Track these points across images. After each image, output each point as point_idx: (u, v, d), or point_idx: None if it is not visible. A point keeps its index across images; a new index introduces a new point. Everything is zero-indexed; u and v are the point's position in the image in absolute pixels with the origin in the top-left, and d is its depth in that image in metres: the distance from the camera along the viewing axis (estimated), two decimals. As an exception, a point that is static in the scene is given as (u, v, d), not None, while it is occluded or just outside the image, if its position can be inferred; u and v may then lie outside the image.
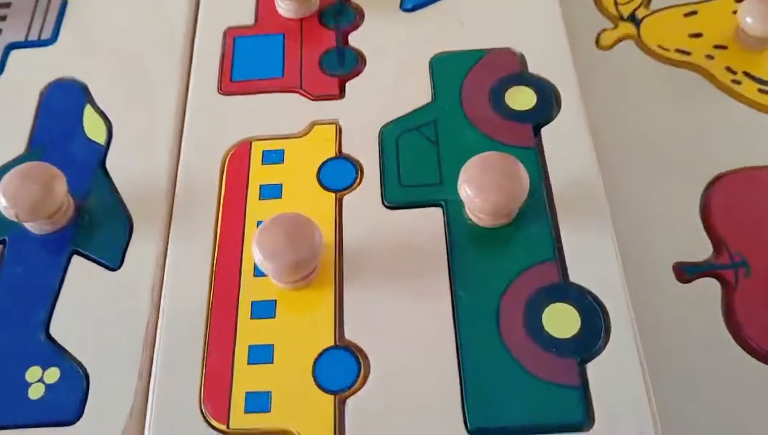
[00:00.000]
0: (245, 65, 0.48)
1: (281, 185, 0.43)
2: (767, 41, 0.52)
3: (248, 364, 0.38)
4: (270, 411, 0.36)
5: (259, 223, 0.40)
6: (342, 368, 0.37)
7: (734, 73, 0.51)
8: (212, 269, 0.40)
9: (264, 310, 0.39)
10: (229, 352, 0.38)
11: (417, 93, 0.46)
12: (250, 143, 0.45)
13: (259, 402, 0.37)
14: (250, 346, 0.38)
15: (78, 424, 0.37)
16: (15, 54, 0.51)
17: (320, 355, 0.38)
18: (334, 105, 0.46)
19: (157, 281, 0.41)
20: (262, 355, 0.38)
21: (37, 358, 0.38)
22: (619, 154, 0.48)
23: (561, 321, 0.38)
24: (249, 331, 0.38)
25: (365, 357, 0.38)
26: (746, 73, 0.51)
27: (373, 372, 0.37)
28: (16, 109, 0.48)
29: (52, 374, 0.38)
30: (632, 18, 0.55)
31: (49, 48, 0.51)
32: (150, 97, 0.48)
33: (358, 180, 0.43)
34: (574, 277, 0.39)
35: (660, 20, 0.55)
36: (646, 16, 0.55)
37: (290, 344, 0.38)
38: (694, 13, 0.54)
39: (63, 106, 0.47)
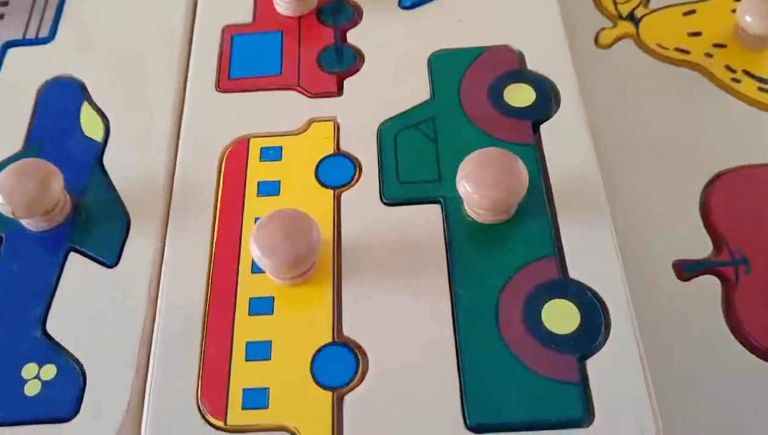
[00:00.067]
0: (243, 63, 0.48)
1: (279, 182, 0.43)
2: (766, 39, 0.52)
3: (246, 360, 0.37)
4: (268, 407, 0.36)
5: (257, 219, 0.40)
6: (340, 365, 0.37)
7: (734, 71, 0.51)
8: (210, 266, 0.40)
9: (262, 306, 0.39)
10: (226, 349, 0.38)
11: (415, 90, 0.46)
12: (248, 140, 0.45)
13: (256, 398, 0.36)
14: (247, 343, 0.38)
15: (74, 420, 0.36)
16: (12, 52, 0.50)
17: (318, 351, 0.37)
18: (332, 102, 0.46)
19: (154, 278, 0.40)
20: (259, 351, 0.38)
21: (33, 354, 0.38)
22: (618, 152, 0.47)
23: (560, 317, 0.38)
24: (247, 328, 0.38)
25: (363, 353, 0.37)
26: (746, 72, 0.51)
27: (371, 368, 0.37)
28: (14, 107, 0.47)
29: (49, 371, 0.38)
30: (631, 17, 0.55)
31: (46, 46, 0.51)
32: (148, 94, 0.47)
33: (356, 177, 0.43)
34: (574, 273, 0.39)
35: (659, 19, 0.55)
36: (645, 15, 0.55)
37: (288, 341, 0.38)
38: (692, 12, 0.54)
39: (60, 103, 0.47)
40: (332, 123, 0.45)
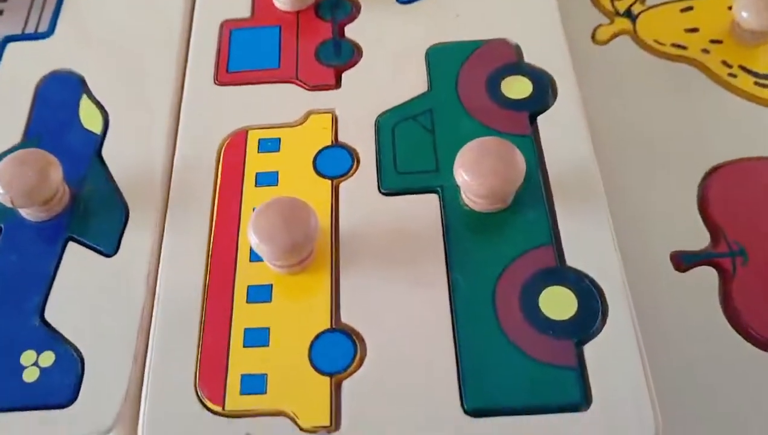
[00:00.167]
0: (241, 56, 0.48)
1: (277, 173, 0.43)
2: (763, 35, 0.52)
3: (244, 347, 0.37)
4: (266, 393, 0.36)
5: (255, 209, 0.40)
6: (338, 351, 0.37)
7: (730, 66, 0.52)
8: (208, 254, 0.40)
9: (260, 294, 0.39)
10: (224, 336, 0.38)
11: (413, 83, 0.46)
12: (246, 132, 0.45)
13: (255, 384, 0.36)
14: (245, 330, 0.38)
15: (72, 406, 0.37)
16: (11, 47, 0.51)
17: (316, 337, 0.37)
18: (330, 95, 0.46)
19: (153, 267, 0.40)
20: (258, 338, 0.38)
21: (32, 342, 0.38)
22: (616, 147, 0.48)
23: (558, 304, 0.38)
24: (245, 315, 0.38)
25: (361, 340, 0.37)
26: (742, 67, 0.52)
27: (369, 354, 0.37)
28: (12, 101, 0.48)
29: (47, 358, 0.38)
30: (628, 13, 0.55)
31: (45, 41, 0.51)
32: (146, 88, 0.48)
33: (354, 167, 0.43)
34: (571, 260, 0.39)
35: (656, 16, 0.55)
36: (642, 11, 0.55)
37: (286, 327, 0.38)
38: (689, 8, 0.55)
39: (59, 97, 0.47)
40: (330, 115, 0.45)
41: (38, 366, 0.38)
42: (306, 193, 0.40)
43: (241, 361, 0.37)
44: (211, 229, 0.41)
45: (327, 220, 0.41)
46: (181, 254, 0.41)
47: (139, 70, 0.49)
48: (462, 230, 0.40)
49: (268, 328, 0.38)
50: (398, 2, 0.50)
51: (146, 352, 0.38)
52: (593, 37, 0.54)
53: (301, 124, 0.45)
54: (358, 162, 0.43)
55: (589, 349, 0.37)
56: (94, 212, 0.42)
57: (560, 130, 0.43)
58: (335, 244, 0.40)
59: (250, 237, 0.38)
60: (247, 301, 0.39)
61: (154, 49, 0.49)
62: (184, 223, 0.42)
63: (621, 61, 0.53)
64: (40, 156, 0.41)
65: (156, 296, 0.39)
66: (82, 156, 0.45)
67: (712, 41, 0.53)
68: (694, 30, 0.54)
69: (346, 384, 0.36)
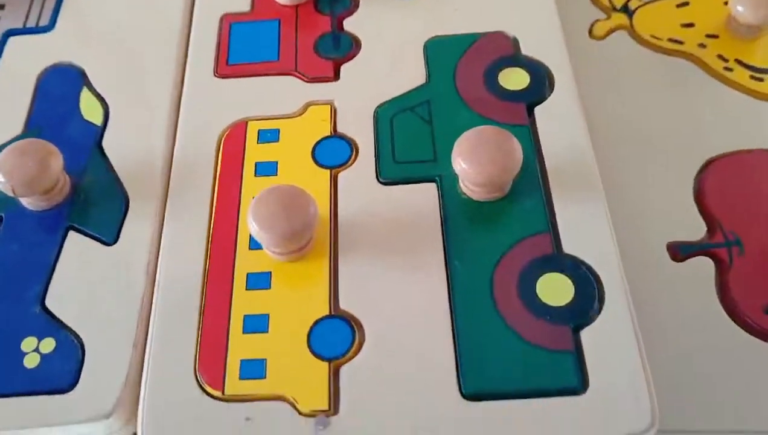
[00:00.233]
0: (241, 49, 0.49)
1: (276, 163, 0.43)
2: (758, 29, 0.52)
3: (243, 333, 0.38)
4: (265, 378, 0.36)
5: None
6: (337, 336, 0.37)
7: (726, 60, 0.52)
8: (208, 242, 0.41)
9: (259, 281, 0.39)
10: (224, 322, 0.38)
11: (411, 75, 0.47)
12: (246, 123, 0.45)
13: (254, 369, 0.37)
14: (245, 316, 0.38)
15: (73, 392, 0.37)
16: (13, 40, 0.51)
17: (315, 324, 0.38)
18: (329, 87, 0.47)
19: (153, 255, 0.41)
20: (257, 324, 0.38)
21: (32, 329, 0.39)
22: (613, 140, 0.48)
23: (555, 290, 0.38)
24: (244, 302, 0.39)
25: (360, 326, 0.38)
26: (738, 61, 0.52)
27: (368, 340, 0.37)
28: (14, 93, 0.48)
29: (48, 344, 0.38)
30: (625, 9, 0.56)
31: (47, 35, 0.51)
32: (147, 80, 0.48)
33: (353, 157, 0.43)
34: (568, 248, 0.39)
35: (652, 11, 0.55)
36: (638, 7, 0.56)
37: (285, 314, 0.38)
38: (685, 3, 0.55)
39: (60, 89, 0.48)
40: (329, 106, 0.46)
41: (39, 352, 0.38)
42: (305, 182, 0.41)
43: (241, 346, 0.37)
44: (210, 218, 0.42)
45: (326, 209, 0.41)
46: (181, 242, 0.41)
47: (139, 63, 0.49)
48: (460, 218, 0.41)
49: (268, 315, 0.38)
50: (397, -4, 0.51)
51: (146, 338, 0.38)
52: (590, 32, 0.55)
53: (300, 115, 0.46)
54: (357, 152, 0.44)
55: (586, 335, 0.37)
56: (94, 202, 0.43)
57: (557, 121, 0.44)
58: (334, 233, 0.41)
59: (250, 224, 0.38)
60: (246, 289, 0.39)
61: (154, 43, 0.50)
62: (184, 211, 0.42)
63: (618, 55, 0.53)
64: (41, 146, 0.41)
65: (156, 284, 0.40)
66: (82, 147, 0.45)
67: (708, 36, 0.53)
68: (690, 25, 0.54)
69: (344, 369, 0.37)
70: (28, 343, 0.38)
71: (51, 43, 0.51)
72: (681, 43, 0.53)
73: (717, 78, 0.51)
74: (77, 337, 0.38)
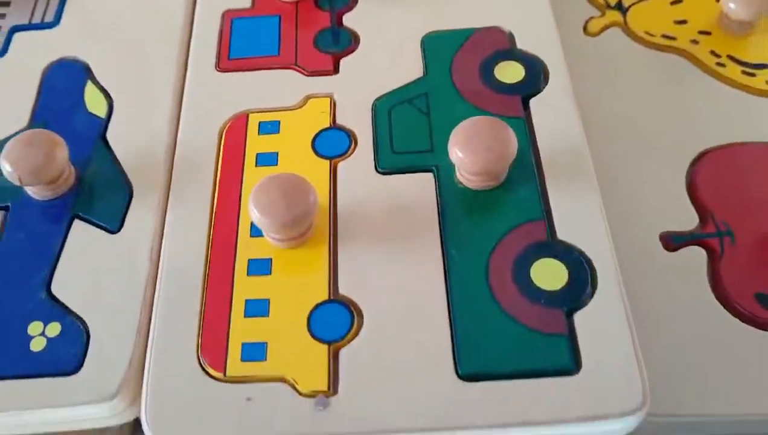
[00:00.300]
0: (242, 44, 0.50)
1: (277, 153, 0.44)
2: (750, 25, 0.53)
3: (245, 317, 0.39)
4: (266, 360, 0.37)
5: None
6: (336, 320, 0.38)
7: (718, 56, 0.53)
8: (210, 230, 0.42)
9: (260, 267, 0.40)
10: (226, 306, 0.39)
11: (409, 69, 0.48)
12: (247, 115, 0.46)
13: (255, 351, 0.37)
14: (246, 301, 0.39)
15: (78, 374, 0.38)
16: (18, 36, 0.52)
17: (315, 308, 0.39)
18: (329, 80, 0.48)
19: (156, 243, 0.42)
20: (258, 308, 0.39)
21: (38, 313, 0.39)
22: (608, 134, 0.49)
23: (549, 275, 0.39)
24: (245, 287, 0.39)
25: (359, 310, 0.38)
26: (730, 57, 0.53)
27: (366, 324, 0.38)
28: (19, 87, 0.49)
29: (54, 328, 0.39)
30: (619, 6, 0.56)
31: (52, 30, 0.52)
32: (150, 75, 0.49)
33: (352, 148, 0.44)
34: (562, 234, 0.40)
35: (646, 8, 0.56)
36: (632, 4, 0.56)
37: (286, 299, 0.39)
38: (679, 1, 0.56)
39: (65, 83, 0.49)
40: (329, 99, 0.47)
41: (45, 336, 0.39)
42: (305, 172, 0.41)
43: (242, 330, 0.38)
44: (212, 207, 0.42)
45: (325, 198, 0.42)
46: (183, 230, 0.42)
47: (142, 58, 0.50)
48: (456, 207, 0.42)
49: (268, 299, 0.39)
50: (395, -8, 0.52)
51: (149, 322, 0.39)
52: (585, 29, 0.56)
53: (300, 107, 0.46)
54: (356, 143, 0.44)
55: (579, 318, 0.38)
56: (98, 191, 0.44)
57: (552, 112, 0.45)
58: (333, 221, 0.42)
59: (251, 211, 0.39)
60: (247, 274, 0.40)
61: (157, 38, 0.51)
62: (186, 200, 0.43)
63: (612, 52, 0.54)
64: (47, 136, 0.42)
65: (159, 270, 0.41)
66: (87, 138, 0.46)
67: (701, 32, 0.54)
68: (683, 22, 0.55)
69: (343, 352, 0.37)
70: (35, 328, 0.39)
71: (56, 38, 0.52)
72: (674, 39, 0.54)
73: (709, 73, 0.52)
74: (82, 321, 0.39)
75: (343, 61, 0.49)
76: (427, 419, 0.35)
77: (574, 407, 0.35)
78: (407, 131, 0.45)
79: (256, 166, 0.44)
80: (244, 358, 0.37)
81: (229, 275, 0.40)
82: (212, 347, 0.38)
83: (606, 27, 0.55)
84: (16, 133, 0.45)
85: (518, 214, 0.41)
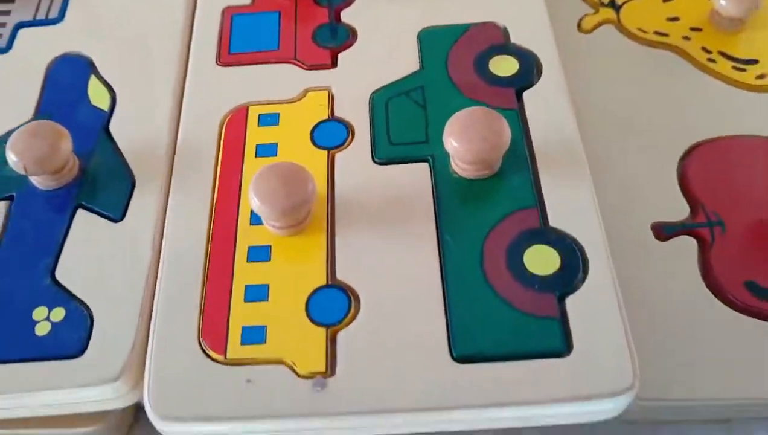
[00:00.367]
0: (242, 40, 0.51)
1: (276, 144, 0.45)
2: (740, 22, 0.54)
3: (245, 301, 0.39)
4: (265, 343, 0.38)
5: (256, 175, 0.42)
6: (334, 305, 0.39)
7: (709, 52, 0.54)
8: (210, 219, 0.42)
9: (260, 254, 0.41)
10: (226, 291, 0.40)
11: (406, 63, 0.49)
12: (247, 108, 0.47)
13: (255, 335, 0.38)
14: (246, 286, 0.40)
15: (82, 357, 0.38)
16: (23, 32, 0.53)
17: (313, 293, 0.40)
18: (327, 74, 0.49)
19: (158, 230, 0.43)
20: (258, 293, 0.40)
21: (43, 299, 0.40)
22: (601, 127, 0.50)
23: (541, 260, 0.40)
24: (245, 273, 0.40)
25: (356, 295, 0.39)
26: (721, 53, 0.54)
27: (363, 308, 0.39)
28: (24, 81, 0.50)
29: (58, 313, 0.40)
30: (612, 4, 0.58)
31: (56, 26, 0.53)
32: (152, 69, 0.50)
33: (349, 139, 0.45)
34: (554, 221, 0.41)
35: (639, 6, 0.57)
36: (625, 2, 0.58)
37: (285, 284, 0.40)
38: (671, -2, 0.57)
39: (69, 77, 0.50)
40: (327, 92, 0.48)
41: (50, 321, 0.40)
42: (304, 162, 0.42)
43: (242, 314, 0.39)
44: (213, 196, 0.43)
45: (323, 187, 0.43)
46: (185, 218, 0.43)
47: (145, 53, 0.51)
48: (451, 195, 0.43)
49: (268, 285, 0.40)
50: (392, -11, 0.53)
51: (152, 308, 0.40)
52: (579, 26, 0.57)
53: (299, 100, 0.47)
54: (353, 134, 0.45)
55: (571, 302, 0.39)
56: (102, 182, 0.45)
57: (545, 104, 0.46)
58: (331, 209, 0.42)
59: (251, 199, 0.40)
60: (247, 261, 0.41)
61: (159, 34, 0.52)
62: (187, 190, 0.44)
63: (606, 48, 0.56)
64: (51, 127, 0.43)
65: (161, 257, 0.41)
66: (90, 130, 0.47)
67: (693, 29, 0.56)
68: (675, 19, 0.56)
69: (341, 335, 0.38)
70: (39, 313, 0.40)
71: (60, 34, 0.53)
72: (666, 35, 0.55)
73: (701, 69, 0.53)
74: (86, 306, 0.40)
75: (341, 56, 0.50)
76: (423, 399, 0.36)
77: (566, 387, 0.36)
78: (404, 123, 0.46)
79: (255, 156, 0.45)
80: (244, 342, 0.38)
81: (229, 262, 0.41)
82: (213, 331, 0.39)
83: (599, 24, 0.57)
84: (22, 126, 0.46)
85: (511, 202, 0.42)
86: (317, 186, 0.41)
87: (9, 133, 0.44)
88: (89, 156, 0.46)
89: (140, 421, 0.44)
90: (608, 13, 0.57)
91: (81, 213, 0.43)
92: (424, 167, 0.44)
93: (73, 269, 0.42)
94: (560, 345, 0.37)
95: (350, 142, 0.45)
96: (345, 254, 0.41)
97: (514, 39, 0.49)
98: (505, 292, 0.39)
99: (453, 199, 0.42)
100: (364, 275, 0.40)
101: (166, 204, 0.44)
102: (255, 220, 0.42)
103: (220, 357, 0.38)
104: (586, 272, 0.39)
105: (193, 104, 0.48)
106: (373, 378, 0.37)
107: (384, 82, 0.48)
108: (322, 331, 0.38)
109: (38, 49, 0.52)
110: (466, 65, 0.48)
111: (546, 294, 0.39)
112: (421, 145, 0.44)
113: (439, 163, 0.44)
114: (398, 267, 0.40)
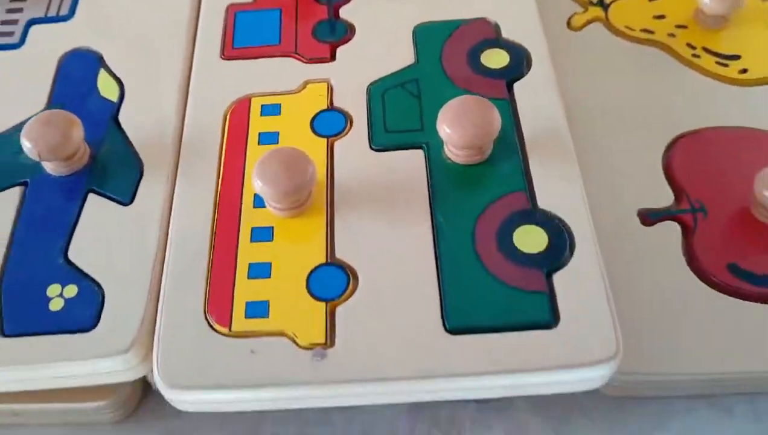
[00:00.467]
0: (245, 35, 0.53)
1: (278, 133, 0.47)
2: (723, 19, 0.57)
3: (248, 278, 0.42)
4: (268, 316, 0.40)
5: (259, 160, 0.44)
6: (333, 281, 0.41)
7: (694, 48, 0.56)
8: (216, 202, 0.45)
9: (263, 234, 0.43)
10: (231, 269, 0.42)
11: (401, 57, 0.51)
12: (250, 99, 0.49)
13: (258, 309, 0.40)
14: (250, 264, 0.42)
15: (94, 331, 0.40)
16: (35, 29, 0.55)
17: (313, 270, 0.42)
18: (326, 67, 0.51)
19: (166, 213, 0.45)
20: (261, 271, 0.42)
21: (56, 277, 0.42)
22: (590, 120, 0.52)
23: (530, 239, 0.42)
24: (249, 252, 0.43)
25: (354, 272, 0.41)
26: (705, 49, 0.56)
27: (361, 284, 0.41)
28: (36, 75, 0.52)
29: (71, 290, 0.42)
30: (600, 3, 0.60)
31: (66, 23, 0.56)
32: (159, 63, 0.52)
33: (347, 127, 0.48)
34: (542, 204, 0.43)
35: (626, 4, 0.60)
36: (613, 1, 0.60)
37: (286, 262, 0.42)
38: (657, -3, 0.59)
39: (79, 71, 0.52)
40: (326, 84, 0.50)
41: (63, 297, 0.42)
42: (304, 149, 0.44)
43: (246, 290, 0.41)
44: (218, 181, 0.46)
45: (323, 173, 0.45)
46: (191, 201, 0.45)
47: (152, 48, 0.53)
48: (444, 180, 0.45)
49: (270, 263, 0.42)
50: (389, -12, 0.55)
51: (159, 286, 0.42)
52: (569, 24, 0.59)
53: (299, 92, 0.50)
54: (351, 123, 0.48)
55: (558, 277, 0.41)
56: (111, 168, 0.47)
57: (534, 95, 0.48)
58: (330, 193, 0.45)
59: (255, 181, 0.42)
60: (251, 241, 0.43)
61: (165, 30, 0.54)
62: (194, 175, 0.46)
63: (594, 45, 0.58)
64: (64, 116, 0.46)
65: (169, 238, 0.44)
66: (100, 121, 0.49)
67: (678, 26, 0.58)
68: (662, 17, 0.58)
69: (340, 309, 0.40)
70: (53, 290, 0.42)
71: (70, 30, 0.55)
72: (652, 33, 0.57)
73: (685, 64, 0.56)
74: (97, 284, 0.42)
75: (339, 50, 0.52)
76: (417, 368, 0.38)
77: (553, 356, 0.38)
78: (399, 112, 0.48)
79: (258, 144, 0.47)
80: (248, 315, 0.40)
81: (233, 242, 0.43)
82: (218, 306, 0.41)
83: (588, 22, 0.59)
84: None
85: (502, 186, 0.44)
86: (317, 172, 0.43)
87: (22, 124, 0.46)
88: (99, 144, 0.48)
89: (148, 397, 0.45)
90: (597, 11, 0.59)
91: (92, 197, 0.46)
92: (418, 154, 0.46)
93: (84, 250, 0.44)
94: (548, 317, 0.39)
95: (348, 131, 0.47)
96: (344, 234, 0.43)
97: (505, 34, 0.52)
98: (496, 269, 0.41)
99: (446, 184, 0.44)
100: (361, 254, 0.42)
101: (174, 188, 0.46)
102: (258, 203, 0.44)
103: (225, 330, 0.40)
104: (572, 250, 0.41)
105: (198, 95, 0.50)
106: (370, 349, 0.39)
107: (381, 75, 0.50)
108: (321, 305, 0.40)
109: (49, 45, 0.54)
110: (459, 58, 0.50)
111: (534, 270, 0.41)
112: (416, 132, 0.47)
113: (432, 150, 0.46)
114: (394, 246, 0.42)
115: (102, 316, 0.41)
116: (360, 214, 0.44)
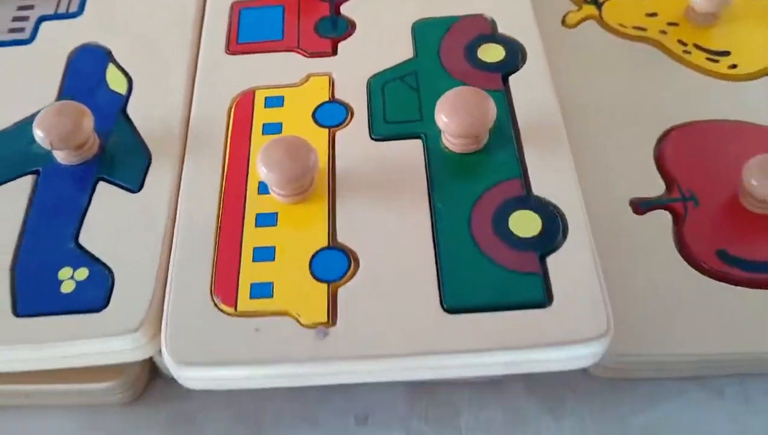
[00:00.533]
0: (249, 31, 0.55)
1: (281, 124, 0.49)
2: (714, 17, 0.58)
3: (253, 261, 0.43)
4: (272, 297, 0.42)
5: (263, 147, 0.46)
6: (335, 264, 0.43)
7: (685, 45, 0.58)
8: (221, 189, 0.46)
9: (267, 220, 0.45)
10: (236, 253, 0.43)
11: (400, 51, 0.53)
12: (254, 92, 0.51)
13: (262, 290, 0.42)
14: (255, 248, 0.43)
15: (105, 311, 0.42)
16: (45, 25, 0.57)
17: (316, 253, 0.43)
18: (328, 61, 0.53)
19: (173, 200, 0.46)
20: (265, 254, 0.43)
21: (68, 260, 0.44)
22: (584, 114, 0.53)
23: (524, 224, 0.43)
24: (254, 236, 0.44)
25: (355, 256, 0.43)
26: (696, 45, 0.58)
27: (362, 266, 0.42)
28: (46, 70, 0.54)
29: (82, 273, 0.43)
30: (594, 1, 0.61)
31: (76, 19, 0.57)
32: (166, 58, 0.54)
33: (348, 118, 0.49)
34: (537, 190, 0.45)
35: (619, 2, 0.61)
36: (606, -1, 0.62)
37: (290, 246, 0.44)
38: (650, -5, 0.61)
39: (88, 66, 0.54)
40: (328, 77, 0.52)
41: (74, 279, 0.43)
42: (307, 139, 0.46)
43: (251, 272, 0.43)
44: (223, 169, 0.47)
45: (325, 161, 0.47)
46: (198, 189, 0.46)
47: (159, 43, 0.55)
48: (442, 168, 0.46)
49: (274, 247, 0.44)
50: (389, -15, 0.57)
51: (167, 269, 0.43)
52: (563, 21, 0.61)
53: (302, 84, 0.51)
54: (352, 114, 0.49)
55: (552, 260, 0.42)
56: (120, 158, 0.48)
57: (529, 87, 0.50)
58: (332, 180, 0.46)
59: (259, 168, 0.43)
60: (255, 226, 0.45)
61: (172, 26, 0.56)
62: (200, 164, 0.48)
63: (588, 42, 0.59)
64: (75, 106, 0.47)
65: (176, 223, 0.45)
66: (109, 113, 0.51)
67: (670, 23, 0.59)
68: (654, 14, 0.60)
69: (341, 290, 0.42)
70: (65, 272, 0.43)
71: (80, 26, 0.57)
72: (645, 30, 0.59)
73: (677, 60, 0.57)
74: (107, 267, 0.43)
75: (340, 45, 0.54)
76: (416, 346, 0.40)
77: (547, 334, 0.40)
78: (399, 104, 0.49)
79: (262, 134, 0.48)
80: (252, 296, 0.42)
81: (239, 227, 0.44)
82: (224, 287, 0.42)
83: (582, 20, 0.60)
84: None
85: (497, 174, 0.46)
86: (319, 161, 0.45)
87: (34, 116, 0.48)
88: (108, 135, 0.49)
89: (156, 380, 0.47)
90: (590, 9, 0.61)
91: (102, 185, 0.47)
92: (417, 143, 0.47)
93: (95, 235, 0.45)
94: (541, 297, 0.41)
95: (349, 121, 0.49)
96: (345, 220, 0.44)
97: (501, 29, 0.53)
98: (492, 252, 0.42)
99: (444, 171, 0.46)
100: (362, 238, 0.44)
101: (181, 176, 0.47)
102: (263, 190, 0.46)
103: (230, 310, 0.41)
104: (565, 234, 0.43)
105: (204, 88, 0.51)
106: (371, 328, 0.40)
107: (380, 68, 0.52)
108: (324, 286, 0.42)
109: (59, 41, 0.56)
110: (456, 53, 0.52)
111: (529, 253, 0.42)
112: (415, 123, 0.48)
113: (431, 140, 0.47)
114: (394, 231, 0.44)
115: (112, 297, 0.42)
116: (361, 201, 0.45)
